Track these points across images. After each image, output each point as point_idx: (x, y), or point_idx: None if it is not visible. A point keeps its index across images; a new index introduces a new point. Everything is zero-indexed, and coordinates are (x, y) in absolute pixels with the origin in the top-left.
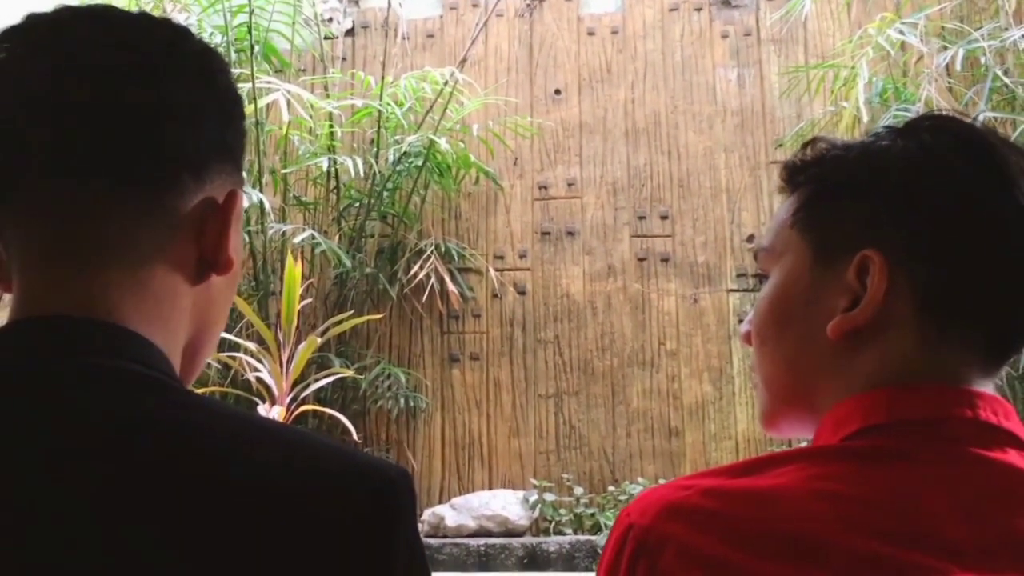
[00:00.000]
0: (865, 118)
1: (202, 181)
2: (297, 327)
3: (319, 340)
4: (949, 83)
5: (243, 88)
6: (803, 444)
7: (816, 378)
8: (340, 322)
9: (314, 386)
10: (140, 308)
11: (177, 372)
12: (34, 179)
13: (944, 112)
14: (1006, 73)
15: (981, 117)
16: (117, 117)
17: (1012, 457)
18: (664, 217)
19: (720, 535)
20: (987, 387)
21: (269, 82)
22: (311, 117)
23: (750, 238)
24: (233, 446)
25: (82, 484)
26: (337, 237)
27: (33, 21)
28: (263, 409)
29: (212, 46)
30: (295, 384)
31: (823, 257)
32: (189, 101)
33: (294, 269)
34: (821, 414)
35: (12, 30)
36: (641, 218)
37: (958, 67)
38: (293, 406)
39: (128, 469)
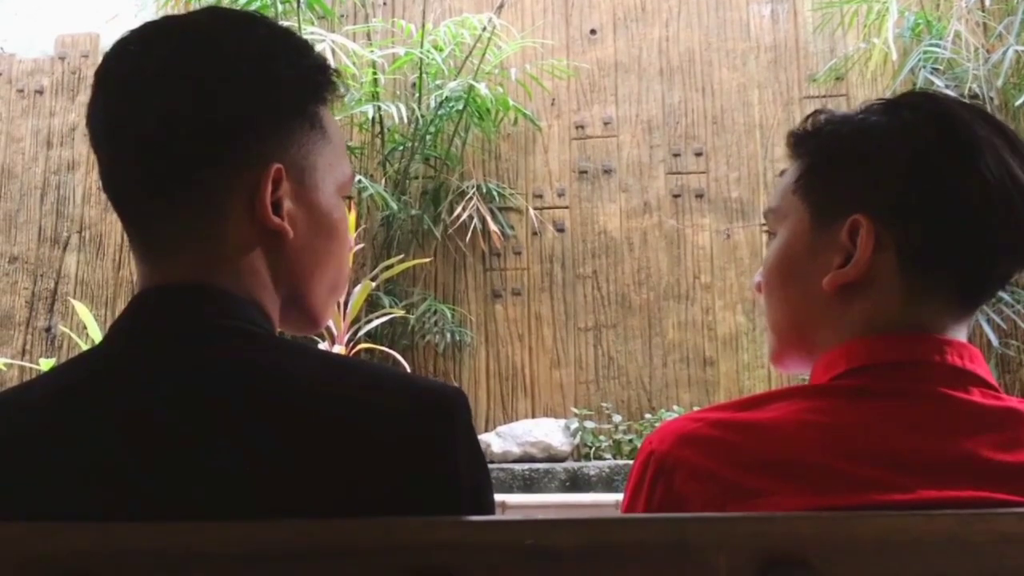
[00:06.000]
0: (894, 55)
1: (238, 167)
2: (353, 270)
3: (372, 284)
4: (982, 17)
5: None
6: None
7: (813, 325)
8: (391, 266)
9: (368, 327)
10: (231, 275)
11: (276, 322)
12: (128, 199)
13: (927, 90)
14: None
15: (1010, 51)
16: (165, 140)
17: (975, 395)
18: (698, 154)
19: (724, 458)
20: (960, 332)
21: (314, 32)
22: (354, 65)
23: (783, 173)
24: (315, 378)
25: (203, 415)
26: (383, 181)
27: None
28: (324, 347)
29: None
30: (351, 324)
31: (820, 220)
32: (207, 103)
33: (348, 216)
34: (817, 356)
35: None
36: (676, 155)
37: (988, 1)
38: (351, 344)
39: (236, 402)
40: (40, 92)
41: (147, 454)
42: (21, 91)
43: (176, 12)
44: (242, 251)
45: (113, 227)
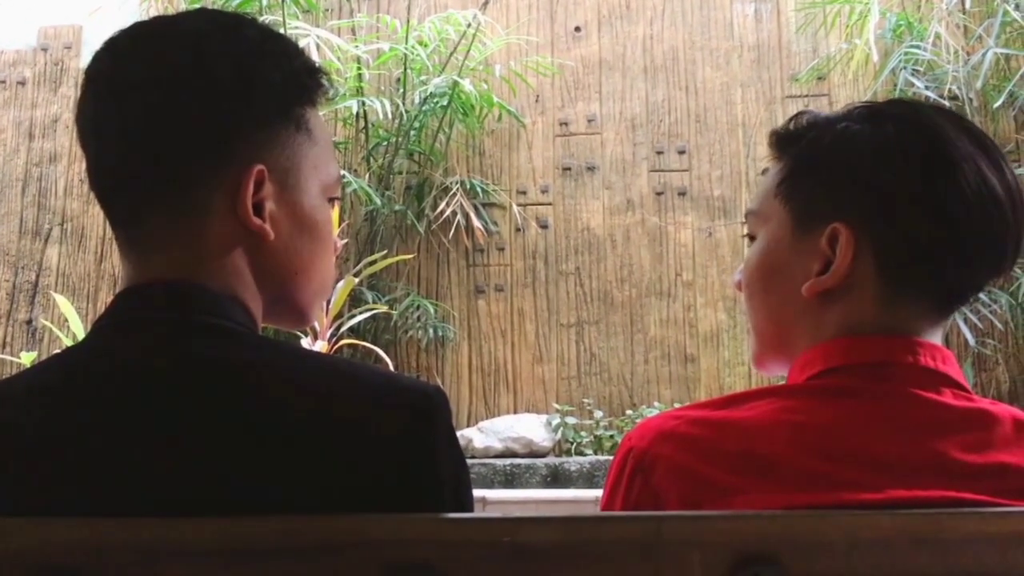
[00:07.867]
0: (876, 56)
1: (221, 167)
2: (336, 266)
3: (355, 280)
4: (962, 19)
5: None
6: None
7: (793, 328)
8: (374, 262)
9: (351, 322)
10: (214, 274)
11: (259, 320)
12: (113, 196)
13: (911, 100)
14: (1016, 8)
15: (989, 54)
16: (149, 139)
17: (946, 396)
18: (681, 152)
19: (701, 455)
20: (935, 335)
21: (298, 27)
22: (339, 60)
23: (765, 172)
24: (295, 376)
25: (183, 412)
26: (367, 176)
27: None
28: (306, 343)
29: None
30: (334, 320)
31: (801, 225)
32: (190, 106)
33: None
34: (795, 358)
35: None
36: (659, 153)
37: (968, 4)
38: (334, 340)
39: (217, 399)
40: (22, 83)
41: (127, 450)
42: (3, 82)
43: (159, 5)
44: (225, 250)
45: (95, 219)
